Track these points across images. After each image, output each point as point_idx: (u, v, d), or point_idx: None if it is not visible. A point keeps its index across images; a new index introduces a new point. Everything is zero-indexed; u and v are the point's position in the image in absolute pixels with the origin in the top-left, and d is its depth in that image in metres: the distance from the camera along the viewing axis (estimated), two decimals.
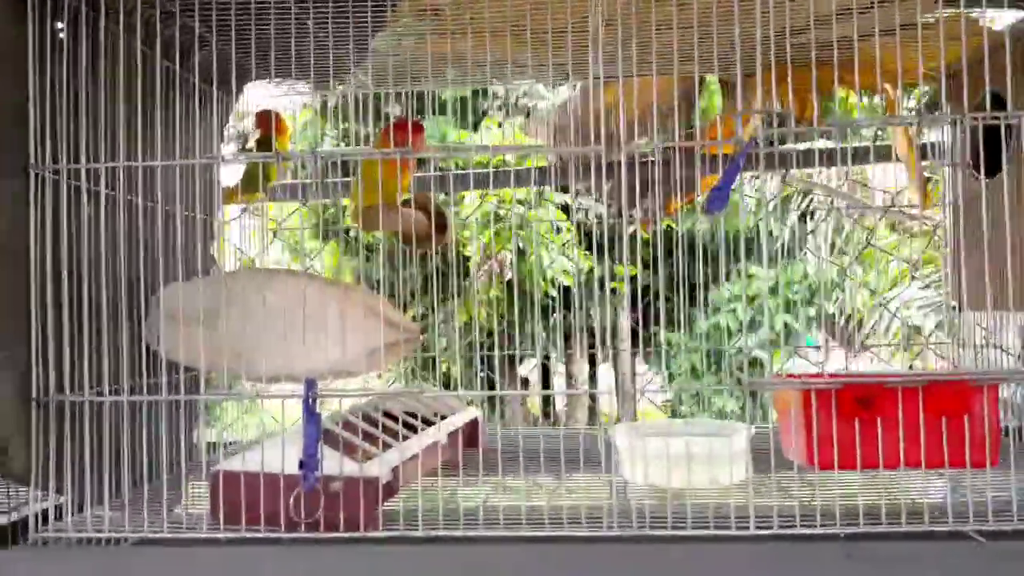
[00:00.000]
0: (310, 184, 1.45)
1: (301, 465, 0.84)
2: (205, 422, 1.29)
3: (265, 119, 1.35)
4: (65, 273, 0.97)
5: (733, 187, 0.91)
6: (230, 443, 1.40)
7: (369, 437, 1.07)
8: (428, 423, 1.20)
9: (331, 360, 1.27)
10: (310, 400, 0.88)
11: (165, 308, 1.14)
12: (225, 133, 1.33)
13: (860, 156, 1.54)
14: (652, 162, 1.57)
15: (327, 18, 1.14)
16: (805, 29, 1.34)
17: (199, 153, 1.19)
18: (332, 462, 0.90)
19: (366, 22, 1.16)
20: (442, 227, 1.42)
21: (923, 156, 1.49)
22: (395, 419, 1.12)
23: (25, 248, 0.94)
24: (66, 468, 0.94)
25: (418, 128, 1.27)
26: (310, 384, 0.88)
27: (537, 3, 1.17)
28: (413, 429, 1.13)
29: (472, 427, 1.31)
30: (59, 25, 0.97)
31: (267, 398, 1.05)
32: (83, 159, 0.96)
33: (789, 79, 1.34)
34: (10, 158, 0.93)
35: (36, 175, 0.94)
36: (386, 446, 1.04)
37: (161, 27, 1.13)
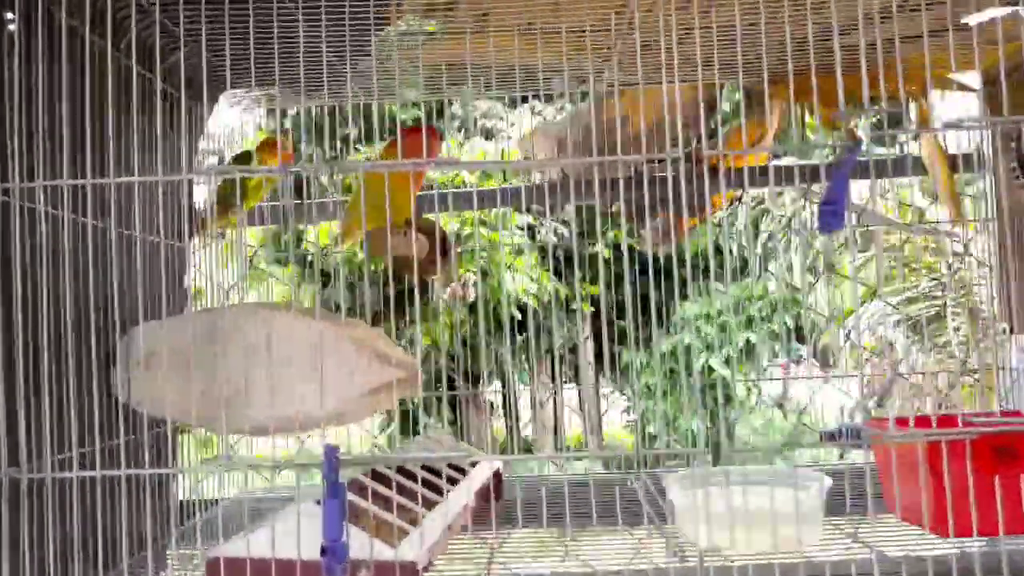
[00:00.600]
0: (295, 204, 1.30)
1: (323, 552, 0.68)
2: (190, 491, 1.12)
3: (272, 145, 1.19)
4: (18, 315, 0.80)
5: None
6: (207, 503, 1.22)
7: (391, 504, 0.92)
8: (450, 478, 1.05)
9: (327, 405, 1.13)
10: (333, 470, 0.72)
11: (137, 352, 0.98)
12: (196, 149, 1.17)
13: (894, 168, 1.45)
14: (665, 177, 1.46)
15: (319, 15, 1.00)
16: (843, 32, 1.24)
17: (175, 169, 1.03)
18: (359, 543, 0.74)
19: (367, 20, 1.02)
20: (445, 252, 1.28)
21: (953, 168, 1.40)
22: (412, 476, 0.97)
23: None
24: (23, 556, 0.76)
25: (434, 135, 1.12)
26: (331, 452, 0.72)
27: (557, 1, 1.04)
28: (437, 489, 0.98)
29: (496, 478, 1.16)
30: (9, 16, 0.81)
31: (284, 468, 0.88)
32: (39, 176, 0.79)
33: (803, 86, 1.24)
34: None
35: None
36: (411, 514, 0.88)
37: (131, 25, 0.97)
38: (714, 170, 1.45)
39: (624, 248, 1.03)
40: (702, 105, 1.26)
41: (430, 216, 1.28)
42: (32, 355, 0.81)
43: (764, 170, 1.45)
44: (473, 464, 1.16)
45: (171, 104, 1.09)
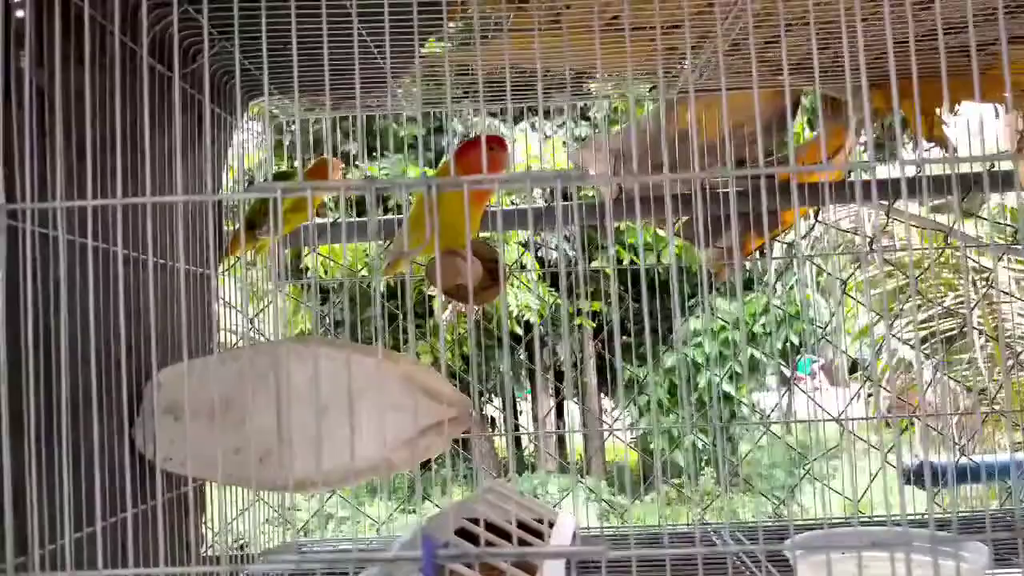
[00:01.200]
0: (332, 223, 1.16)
1: None
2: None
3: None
4: (30, 362, 0.65)
5: None
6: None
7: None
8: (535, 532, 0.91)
9: (375, 453, 0.99)
10: (431, 567, 0.58)
11: (162, 399, 0.84)
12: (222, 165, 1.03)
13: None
14: (730, 193, 1.33)
15: (370, 12, 0.86)
16: (938, 34, 1.12)
17: (198, 187, 0.89)
18: None
19: (426, 15, 0.88)
20: (497, 278, 1.14)
21: None
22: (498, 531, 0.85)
23: None
24: None
25: (503, 146, 0.98)
26: (430, 546, 0.58)
27: None
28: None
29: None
30: None
31: (373, 560, 0.73)
32: (57, 194, 0.64)
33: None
34: None
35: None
36: None
37: (156, 22, 0.83)
38: (786, 185, 1.32)
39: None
40: (788, 111, 1.13)
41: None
42: (45, 409, 0.66)
43: (841, 185, 1.32)
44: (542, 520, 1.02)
45: (196, 113, 0.95)
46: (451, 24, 0.94)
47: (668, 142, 1.20)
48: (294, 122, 1.26)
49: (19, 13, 0.66)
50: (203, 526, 0.98)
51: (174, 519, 0.90)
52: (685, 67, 1.07)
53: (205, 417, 0.85)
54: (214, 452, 0.84)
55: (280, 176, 1.04)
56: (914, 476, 1.51)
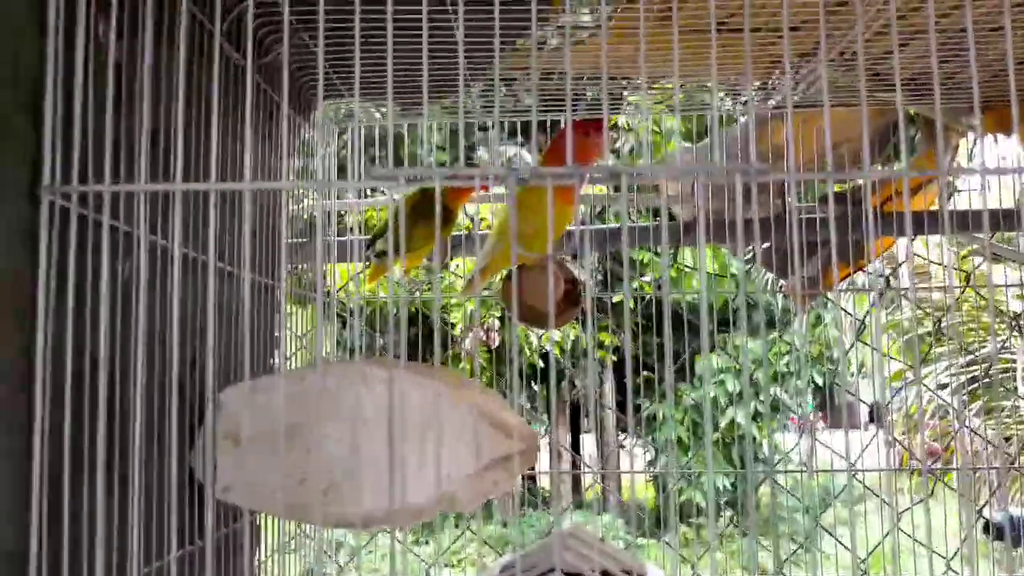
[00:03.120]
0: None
1: None
2: None
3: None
4: (68, 372, 0.57)
5: None
6: None
7: None
8: None
9: (433, 489, 0.90)
10: None
11: (223, 423, 0.75)
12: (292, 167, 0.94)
13: None
14: (818, 219, 1.24)
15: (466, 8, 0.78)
16: None
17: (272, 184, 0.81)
18: None
19: (526, 10, 0.81)
20: (576, 299, 1.05)
21: None
22: None
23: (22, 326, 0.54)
24: None
25: (599, 130, 0.88)
26: None
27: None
28: None
29: None
30: None
31: None
32: (107, 178, 0.56)
33: None
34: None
35: (50, 202, 0.53)
36: None
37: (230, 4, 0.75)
38: (875, 212, 1.23)
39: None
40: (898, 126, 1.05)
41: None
42: (90, 431, 0.57)
43: (934, 215, 1.23)
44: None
45: (269, 110, 0.87)
46: (547, 24, 0.87)
47: (760, 159, 1.12)
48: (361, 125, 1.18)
49: None
50: (256, 562, 0.89)
51: (227, 555, 0.81)
52: (786, 77, 0.99)
53: (268, 443, 0.76)
54: (276, 482, 0.75)
55: (418, 199, 0.96)
56: (995, 530, 1.40)
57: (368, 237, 1.12)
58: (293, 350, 1.15)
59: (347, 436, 0.81)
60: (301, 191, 0.97)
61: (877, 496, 1.35)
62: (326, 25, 0.78)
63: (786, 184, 1.13)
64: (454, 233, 1.23)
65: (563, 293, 1.03)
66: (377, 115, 1.14)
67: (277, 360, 0.91)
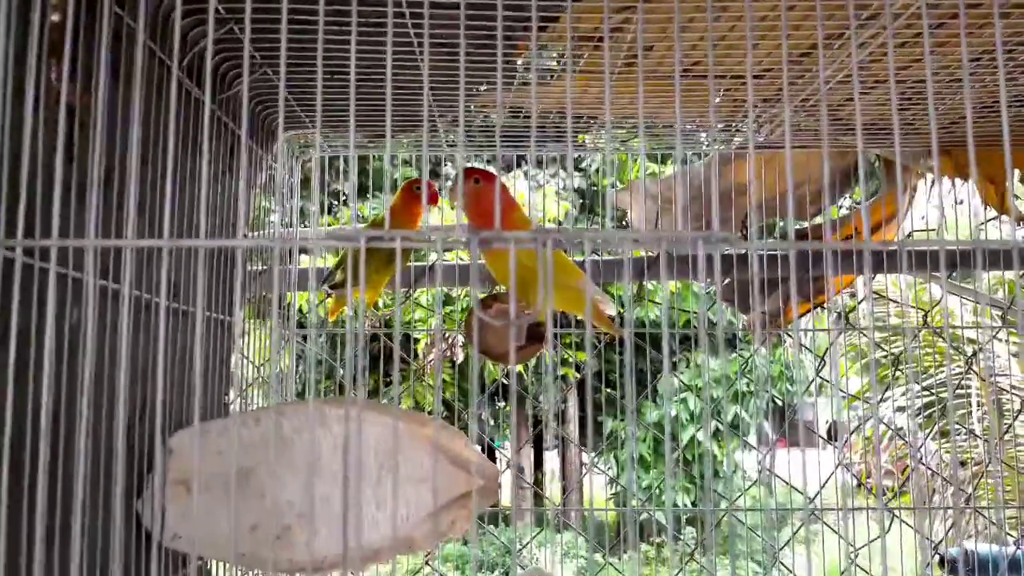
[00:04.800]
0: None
1: None
2: None
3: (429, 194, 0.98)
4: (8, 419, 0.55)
5: None
6: None
7: None
8: None
9: (391, 531, 0.89)
10: None
11: (174, 468, 0.73)
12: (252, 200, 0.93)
13: None
14: (779, 256, 1.25)
15: (430, 41, 0.78)
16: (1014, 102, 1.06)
17: (230, 226, 0.79)
18: None
19: (493, 52, 0.80)
20: (540, 336, 1.05)
21: None
22: None
23: None
24: None
25: (488, 178, 0.90)
26: None
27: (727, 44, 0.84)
28: None
29: None
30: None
31: None
32: (54, 232, 0.54)
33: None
34: None
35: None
36: None
37: (192, 36, 0.74)
38: (835, 250, 1.25)
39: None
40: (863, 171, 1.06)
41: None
42: (29, 481, 0.55)
43: (893, 254, 1.25)
44: None
45: (227, 143, 0.85)
46: (515, 63, 0.87)
47: (721, 195, 1.12)
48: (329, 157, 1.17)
49: (53, 17, 0.57)
50: None
51: None
52: (748, 121, 1.00)
53: (220, 489, 0.74)
54: (228, 529, 0.73)
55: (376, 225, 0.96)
56: (949, 565, 1.41)
57: (327, 268, 1.11)
58: (250, 380, 1.13)
59: (302, 479, 0.80)
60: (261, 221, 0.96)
61: (835, 532, 1.36)
62: (290, 59, 0.77)
63: (748, 225, 1.14)
64: (418, 263, 1.22)
65: (527, 330, 1.02)
66: (341, 145, 1.13)
67: (232, 397, 0.89)
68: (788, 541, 1.34)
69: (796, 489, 1.29)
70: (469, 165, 1.05)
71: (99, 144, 0.50)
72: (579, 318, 0.73)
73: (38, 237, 0.50)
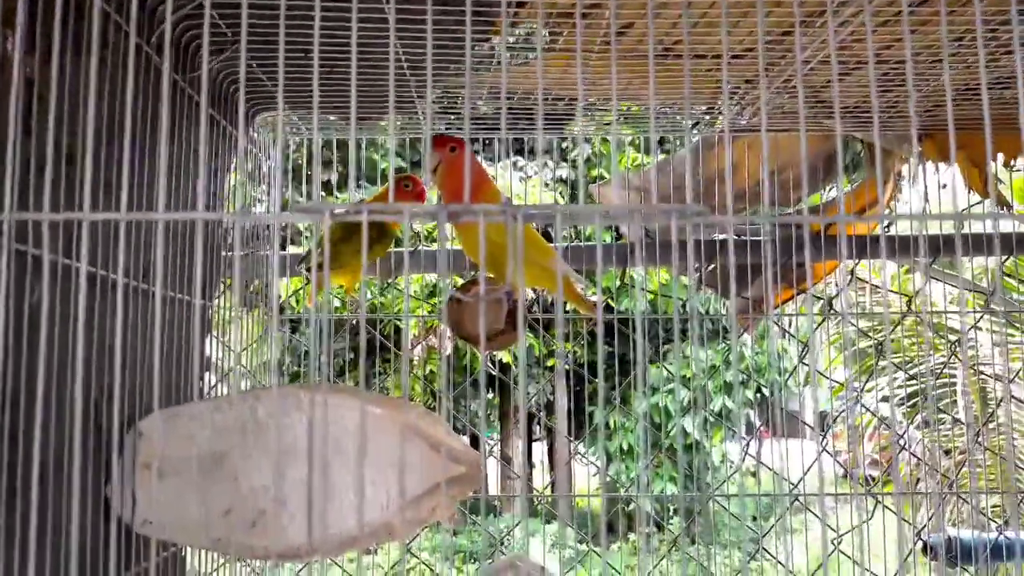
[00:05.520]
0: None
1: None
2: None
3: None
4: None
5: None
6: None
7: None
8: None
9: (374, 516, 0.87)
10: None
11: (143, 453, 0.71)
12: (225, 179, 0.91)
13: None
14: (764, 241, 1.25)
15: (410, 18, 0.76)
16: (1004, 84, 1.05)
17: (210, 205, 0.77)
18: None
19: (461, 29, 0.79)
20: (512, 311, 1.03)
21: None
22: None
23: None
24: None
25: (460, 144, 0.89)
26: None
27: (705, 22, 0.82)
28: None
29: None
30: None
31: None
32: (45, 206, 0.53)
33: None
34: None
35: None
36: None
37: (160, 10, 0.72)
38: (819, 235, 1.24)
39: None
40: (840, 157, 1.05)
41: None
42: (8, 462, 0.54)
43: (876, 239, 1.24)
44: None
45: (196, 121, 0.84)
46: (489, 42, 0.85)
47: (705, 183, 1.11)
48: (299, 140, 1.16)
49: None
50: None
51: None
52: (730, 103, 0.99)
53: (193, 473, 0.73)
54: (201, 514, 0.72)
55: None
56: (931, 551, 1.41)
57: (303, 252, 1.10)
58: (231, 365, 1.11)
59: (275, 464, 0.78)
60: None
61: (817, 516, 1.35)
62: (266, 38, 0.76)
63: (727, 212, 1.13)
64: (399, 250, 1.20)
65: (506, 314, 1.01)
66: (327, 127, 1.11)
67: (210, 381, 0.87)
68: (771, 528, 1.33)
69: (774, 472, 1.29)
70: (438, 132, 1.02)
71: (55, 118, 0.48)
72: (562, 302, 0.72)
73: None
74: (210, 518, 0.73)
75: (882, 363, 2.94)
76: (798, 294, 1.28)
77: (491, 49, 0.84)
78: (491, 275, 0.95)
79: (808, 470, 1.24)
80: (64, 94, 0.54)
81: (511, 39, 0.81)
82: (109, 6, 0.61)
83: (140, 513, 0.71)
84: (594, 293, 1.14)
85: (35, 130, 0.56)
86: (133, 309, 0.70)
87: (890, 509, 1.34)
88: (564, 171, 5.83)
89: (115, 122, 0.62)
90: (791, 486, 1.29)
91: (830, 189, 1.37)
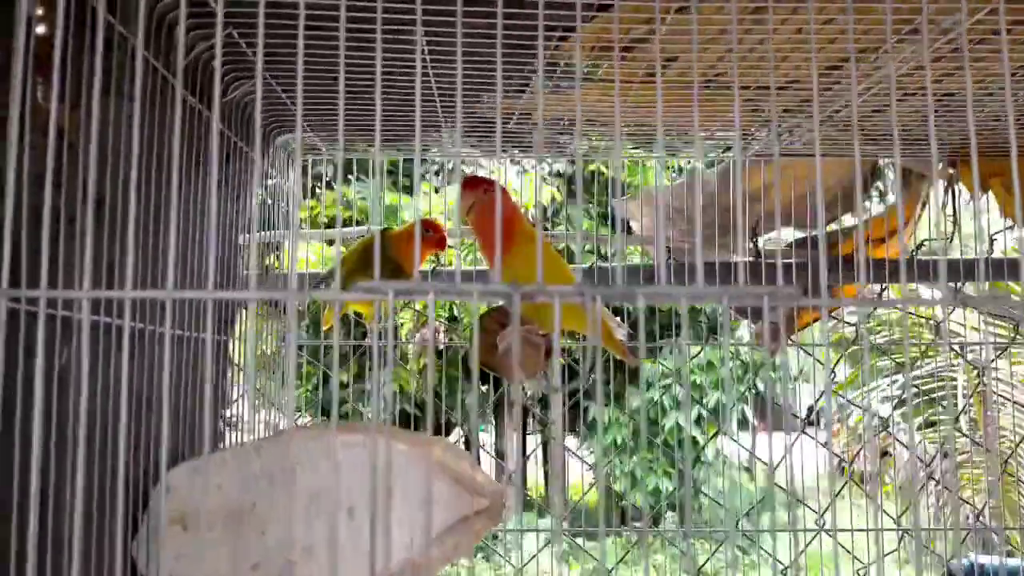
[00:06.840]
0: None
1: None
2: None
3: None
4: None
5: None
6: None
7: None
8: None
9: (399, 555, 0.85)
10: None
11: (171, 507, 0.68)
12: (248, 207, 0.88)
13: None
14: (788, 264, 1.22)
15: (445, 45, 0.73)
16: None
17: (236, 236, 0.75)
18: None
19: (516, 64, 0.76)
20: (548, 350, 1.00)
21: None
22: None
23: None
24: None
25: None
26: None
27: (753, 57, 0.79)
28: None
29: None
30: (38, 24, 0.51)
31: None
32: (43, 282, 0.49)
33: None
34: None
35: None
36: None
37: (193, 43, 0.69)
38: (847, 259, 1.22)
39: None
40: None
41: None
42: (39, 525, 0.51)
43: (908, 263, 1.22)
44: None
45: (228, 149, 0.80)
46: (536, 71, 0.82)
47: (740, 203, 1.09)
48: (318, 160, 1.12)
49: (39, 29, 0.51)
50: None
51: None
52: (769, 130, 0.96)
53: (220, 527, 0.70)
54: (229, 571, 0.69)
55: (369, 245, 0.94)
56: None
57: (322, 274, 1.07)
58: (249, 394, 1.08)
59: (304, 512, 0.75)
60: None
61: (814, 512, 1.33)
62: (290, 60, 0.73)
63: (758, 232, 1.11)
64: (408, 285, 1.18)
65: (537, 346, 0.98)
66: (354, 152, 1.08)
67: (230, 414, 0.84)
68: (746, 518, 1.31)
69: (764, 461, 1.27)
70: (470, 174, 1.00)
71: (89, 168, 0.45)
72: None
73: (24, 287, 0.45)
74: (238, 573, 0.70)
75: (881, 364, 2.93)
76: (828, 316, 1.26)
77: (532, 77, 0.81)
78: (533, 320, 0.92)
79: (785, 458, 1.22)
80: (104, 142, 0.50)
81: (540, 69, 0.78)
82: (148, 51, 0.58)
83: (164, 570, 0.67)
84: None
85: (65, 183, 0.53)
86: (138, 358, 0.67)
87: (888, 514, 1.32)
88: (562, 165, 5.79)
89: (162, 178, 0.58)
90: (789, 484, 1.26)
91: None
